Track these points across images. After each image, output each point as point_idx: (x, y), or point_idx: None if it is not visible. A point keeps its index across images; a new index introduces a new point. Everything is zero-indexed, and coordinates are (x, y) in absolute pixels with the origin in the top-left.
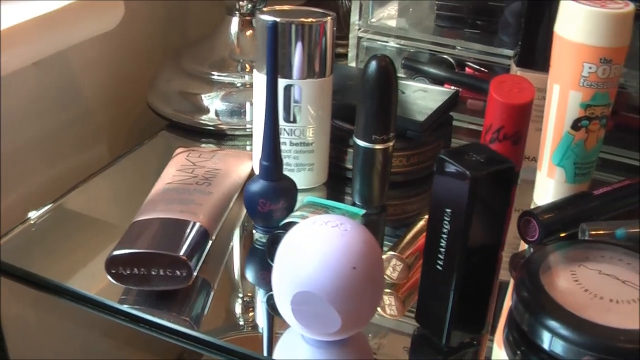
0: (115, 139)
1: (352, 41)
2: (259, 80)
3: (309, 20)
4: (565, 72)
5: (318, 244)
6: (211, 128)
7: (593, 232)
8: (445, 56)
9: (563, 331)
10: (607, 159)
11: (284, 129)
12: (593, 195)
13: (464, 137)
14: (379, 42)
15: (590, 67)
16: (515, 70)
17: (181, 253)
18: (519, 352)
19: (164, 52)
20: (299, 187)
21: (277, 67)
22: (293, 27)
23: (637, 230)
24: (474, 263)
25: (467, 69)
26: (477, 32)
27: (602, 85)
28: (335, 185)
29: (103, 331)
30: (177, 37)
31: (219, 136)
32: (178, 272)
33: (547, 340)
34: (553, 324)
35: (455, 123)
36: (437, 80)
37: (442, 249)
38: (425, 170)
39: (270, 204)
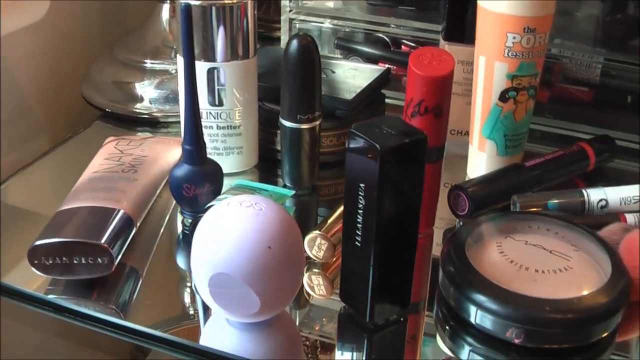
0: (56, 133)
1: (284, 24)
2: (181, 64)
3: (229, 1)
4: (489, 43)
5: (232, 224)
6: (146, 116)
7: (524, 204)
8: (380, 35)
9: (488, 304)
10: (546, 132)
11: (210, 113)
12: (525, 167)
13: (401, 115)
14: (313, 24)
15: (514, 37)
16: (443, 44)
17: (102, 241)
18: (447, 327)
19: (102, 44)
20: (228, 170)
21: (192, 50)
22: (213, 9)
23: (569, 200)
24: (393, 238)
25: (403, 47)
26: (411, 9)
27: (527, 55)
28: (267, 167)
29: (52, 331)
30: (115, 28)
31: (153, 124)
32: (100, 260)
33: (473, 314)
34: (478, 297)
35: (391, 101)
36: (372, 60)
37: (359, 225)
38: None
39: (195, 188)
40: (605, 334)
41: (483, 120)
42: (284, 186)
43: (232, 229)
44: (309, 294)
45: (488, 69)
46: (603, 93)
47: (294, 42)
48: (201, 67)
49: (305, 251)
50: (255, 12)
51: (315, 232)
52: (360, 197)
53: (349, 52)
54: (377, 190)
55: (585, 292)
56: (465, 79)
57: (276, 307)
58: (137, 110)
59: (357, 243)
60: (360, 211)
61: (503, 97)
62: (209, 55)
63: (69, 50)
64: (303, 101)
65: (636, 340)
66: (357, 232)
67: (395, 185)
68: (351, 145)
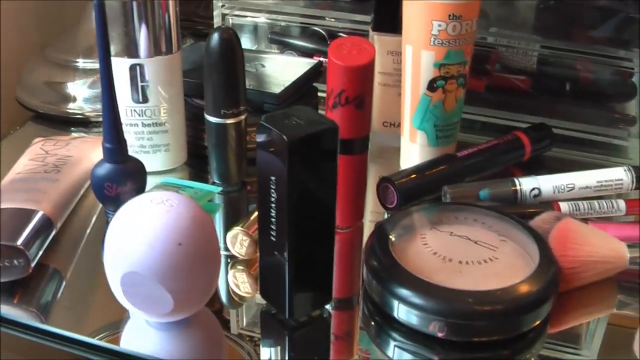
0: None
1: (216, 19)
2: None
3: None
4: (415, 32)
5: (142, 222)
6: (79, 116)
7: (455, 195)
8: (317, 28)
9: (409, 298)
10: (487, 122)
11: (135, 110)
12: (457, 157)
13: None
14: (247, 19)
15: (439, 25)
16: (372, 35)
17: (18, 242)
18: (373, 323)
19: (39, 45)
20: (157, 169)
21: (108, 46)
22: (134, 4)
23: (501, 189)
24: (308, 232)
25: None
26: (348, 1)
27: (454, 42)
28: (197, 164)
29: None
30: (53, 28)
31: (86, 124)
32: (16, 262)
33: (396, 309)
34: (399, 291)
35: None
36: (308, 53)
37: (273, 219)
38: None
39: (117, 187)
40: (536, 325)
41: (413, 110)
42: (213, 183)
43: (142, 226)
44: (238, 295)
45: (415, 58)
46: (541, 81)
47: (215, 36)
48: (123, 64)
49: (225, 247)
50: (177, 7)
51: (237, 229)
52: (272, 191)
53: (284, 47)
54: (286, 183)
55: (511, 283)
56: (395, 70)
57: (192, 306)
58: (70, 111)
59: (272, 238)
60: (273, 205)
61: (431, 86)
62: (132, 52)
63: (4, 52)
64: (226, 96)
65: (585, 332)
66: (272, 226)
67: (306, 177)
68: (260, 138)
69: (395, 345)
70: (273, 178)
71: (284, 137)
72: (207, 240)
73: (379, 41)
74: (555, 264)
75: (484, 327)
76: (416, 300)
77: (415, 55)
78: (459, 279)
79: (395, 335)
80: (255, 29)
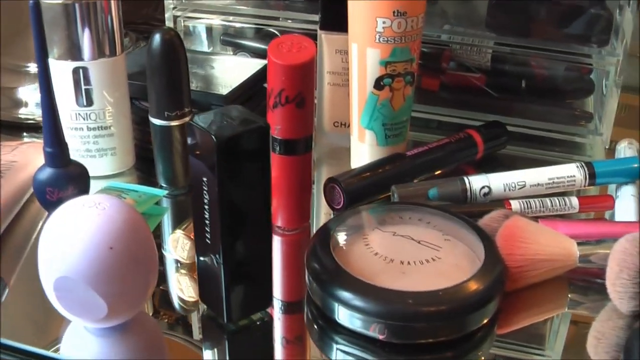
0: None
1: (168, 22)
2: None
3: None
4: (360, 29)
5: (73, 226)
6: (31, 121)
7: (403, 194)
8: (271, 29)
9: (348, 300)
10: (442, 121)
11: (79, 114)
12: (407, 156)
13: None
14: (201, 20)
15: (384, 22)
16: (320, 34)
17: None
18: (316, 327)
19: None
20: (103, 173)
21: (45, 48)
22: (76, 6)
23: (451, 188)
24: (242, 233)
25: None
26: (302, 1)
27: (399, 39)
28: (146, 168)
29: None
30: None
31: (38, 129)
32: None
33: (337, 312)
34: (340, 294)
35: None
36: (261, 55)
37: (207, 221)
38: None
39: (58, 192)
40: (483, 325)
41: (360, 110)
42: (161, 187)
43: (73, 230)
44: (183, 300)
45: (361, 56)
46: (496, 79)
47: (157, 37)
48: (66, 67)
49: (167, 251)
50: (120, 9)
51: (178, 232)
52: (205, 192)
53: (237, 48)
54: (217, 184)
55: (454, 282)
56: (344, 69)
57: (127, 310)
58: (22, 116)
59: (207, 240)
60: (206, 207)
61: (378, 84)
62: (74, 54)
63: None
64: (169, 98)
65: (548, 333)
66: (206, 228)
67: (237, 178)
68: (190, 138)
69: (337, 349)
70: (205, 179)
71: (213, 136)
72: (140, 243)
73: (326, 40)
74: (500, 263)
75: (425, 328)
76: (355, 302)
77: (361, 53)
78: (402, 280)
79: (337, 338)
80: (210, 31)
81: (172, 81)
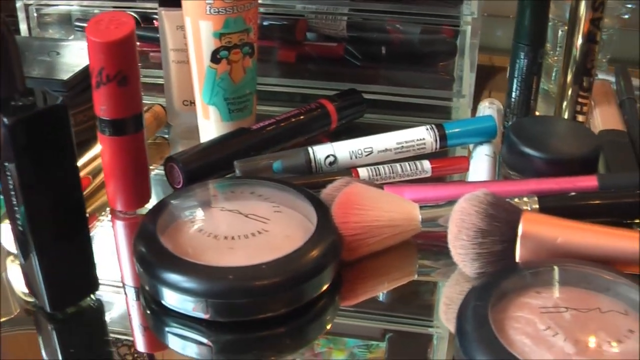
0: None
1: (20, 11)
2: None
3: None
4: (191, 2)
5: None
6: None
7: (246, 168)
8: (130, 12)
9: (172, 282)
10: (307, 94)
11: None
12: (251, 130)
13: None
14: (56, 7)
15: None
16: (160, 11)
17: None
18: (149, 312)
19: None
20: None
21: None
22: None
23: (295, 160)
24: (54, 219)
25: (155, 22)
26: None
27: (231, 10)
28: None
29: None
30: None
31: None
32: None
33: (163, 295)
34: (163, 275)
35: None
36: None
37: (16, 208)
38: (90, 131)
39: None
40: (319, 296)
41: (201, 86)
42: None
43: None
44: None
45: (195, 30)
46: (355, 46)
47: None
48: None
49: None
50: None
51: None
52: (10, 178)
53: None
54: (16, 169)
55: (282, 255)
56: (186, 45)
57: None
58: None
59: (20, 228)
60: (13, 193)
61: (214, 58)
62: None
63: None
64: None
65: (436, 303)
66: (17, 216)
67: (39, 161)
68: None
69: (169, 332)
70: (7, 164)
71: (4, 119)
72: None
73: (166, 17)
74: (332, 231)
75: (252, 304)
76: (176, 282)
77: (195, 26)
78: (230, 256)
79: (169, 321)
80: (68, 17)
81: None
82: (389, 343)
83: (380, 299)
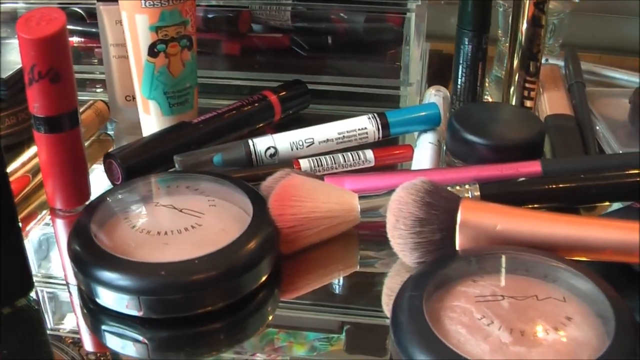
0: None
1: None
2: None
3: None
4: None
5: None
6: None
7: (186, 163)
8: (75, 8)
9: (103, 279)
10: (255, 86)
11: None
12: (192, 124)
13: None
14: (1, 5)
15: None
16: (98, 5)
17: None
18: (86, 311)
19: None
20: None
21: None
22: None
23: (235, 153)
24: None
25: None
26: None
27: (166, 2)
28: None
29: None
30: None
31: None
32: None
33: (96, 293)
34: (95, 273)
35: (81, 76)
36: None
37: None
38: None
39: None
40: (255, 290)
41: (140, 80)
42: None
43: None
44: None
45: (131, 24)
46: (300, 37)
47: None
48: None
49: None
50: None
51: None
52: None
53: None
54: None
55: (214, 249)
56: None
57: None
58: None
59: None
60: None
61: (152, 51)
62: None
63: None
64: None
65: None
66: None
67: None
68: None
69: (104, 331)
70: None
71: None
72: None
73: (105, 12)
74: (268, 224)
75: (184, 300)
76: (108, 280)
77: (131, 20)
78: (164, 252)
79: (106, 320)
80: (15, 16)
81: None
82: (347, 335)
83: (337, 291)
